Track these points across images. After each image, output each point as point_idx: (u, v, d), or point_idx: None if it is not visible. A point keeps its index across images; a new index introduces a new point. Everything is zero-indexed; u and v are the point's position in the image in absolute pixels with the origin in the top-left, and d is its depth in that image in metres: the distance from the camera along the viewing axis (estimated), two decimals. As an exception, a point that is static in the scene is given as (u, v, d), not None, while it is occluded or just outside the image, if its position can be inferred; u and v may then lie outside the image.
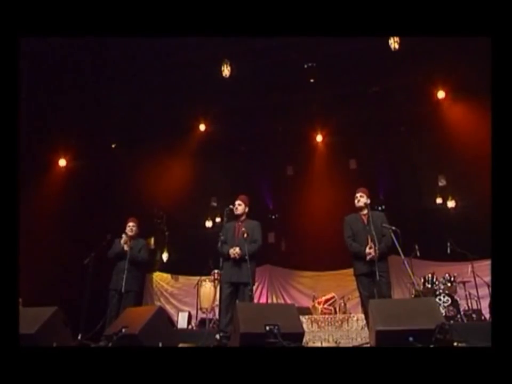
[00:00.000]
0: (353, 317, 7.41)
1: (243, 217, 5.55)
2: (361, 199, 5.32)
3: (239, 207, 5.52)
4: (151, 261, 6.39)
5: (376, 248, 4.91)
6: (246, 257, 5.06)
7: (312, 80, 8.59)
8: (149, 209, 10.25)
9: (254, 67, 8.14)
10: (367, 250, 5.00)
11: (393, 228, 5.03)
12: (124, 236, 6.10)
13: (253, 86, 8.60)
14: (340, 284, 9.01)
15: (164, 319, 4.37)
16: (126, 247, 6.05)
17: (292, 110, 9.46)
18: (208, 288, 8.19)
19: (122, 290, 5.77)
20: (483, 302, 7.48)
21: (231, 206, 5.54)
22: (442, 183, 10.05)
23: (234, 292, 5.23)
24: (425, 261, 8.38)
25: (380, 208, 8.78)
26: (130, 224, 6.34)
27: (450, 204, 9.83)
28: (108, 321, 5.57)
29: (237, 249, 5.21)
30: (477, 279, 7.36)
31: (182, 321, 8.22)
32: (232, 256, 5.21)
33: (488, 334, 2.60)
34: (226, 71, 7.61)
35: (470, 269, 7.54)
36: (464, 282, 7.61)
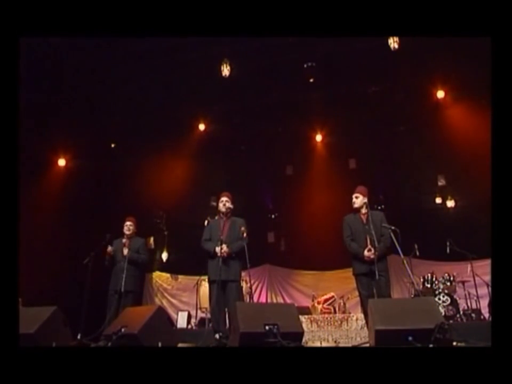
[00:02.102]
0: (353, 316, 7.41)
1: (229, 214, 5.55)
2: (357, 200, 5.32)
3: (227, 203, 5.53)
4: (150, 260, 6.35)
5: (375, 250, 4.91)
6: (246, 255, 5.07)
7: (311, 80, 8.58)
8: (148, 209, 10.25)
9: (253, 67, 8.13)
10: (365, 253, 4.99)
11: (393, 227, 5.03)
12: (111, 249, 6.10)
13: (252, 86, 8.60)
14: (339, 284, 9.02)
15: (163, 318, 4.37)
16: (124, 251, 6.03)
17: (291, 110, 9.46)
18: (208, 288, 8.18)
19: (122, 290, 5.75)
20: (482, 301, 7.49)
21: (222, 203, 5.56)
22: (441, 182, 10.06)
23: (223, 290, 5.21)
24: (424, 261, 8.39)
25: (379, 207, 8.78)
26: (128, 223, 6.31)
27: (450, 203, 9.85)
28: (108, 322, 5.56)
29: (224, 247, 5.19)
30: (476, 278, 7.37)
31: (181, 321, 8.22)
32: (219, 255, 5.18)
33: (488, 333, 2.60)
34: (225, 70, 7.61)
35: (469, 269, 7.55)
36: (463, 282, 7.63)
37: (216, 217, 5.67)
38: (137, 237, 6.33)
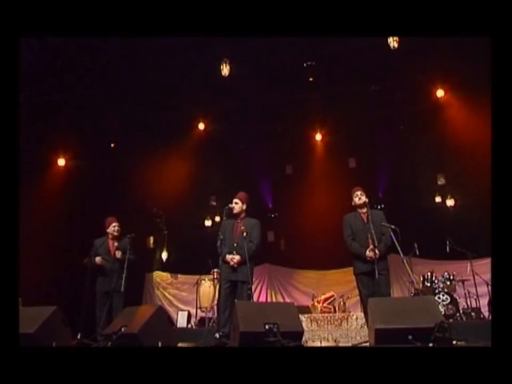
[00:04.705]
0: (353, 315, 7.42)
1: (242, 215, 5.50)
2: (362, 197, 5.33)
3: (236, 205, 5.47)
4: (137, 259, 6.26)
5: (376, 250, 4.91)
6: (246, 256, 5.02)
7: (311, 79, 8.58)
8: (148, 209, 10.26)
9: (253, 66, 8.13)
10: (367, 253, 5.00)
11: (393, 226, 5.03)
12: (100, 259, 5.96)
13: (252, 85, 8.60)
14: (339, 283, 9.03)
15: (163, 318, 4.37)
16: (118, 254, 5.95)
17: (291, 109, 9.46)
18: (208, 287, 8.19)
19: (122, 289, 5.69)
20: (482, 300, 7.50)
21: (230, 205, 5.50)
22: (441, 181, 10.07)
23: (233, 290, 5.20)
24: (424, 260, 8.39)
25: (379, 206, 8.79)
26: (115, 224, 6.24)
27: (450, 202, 9.86)
28: (101, 324, 5.53)
29: (237, 257, 5.16)
30: (476, 277, 7.38)
31: (181, 320, 8.22)
32: (231, 263, 5.17)
33: (487, 332, 2.61)
34: (225, 70, 7.61)
35: (469, 268, 7.56)
36: (463, 281, 7.64)
37: (225, 218, 5.55)
38: (122, 237, 6.24)
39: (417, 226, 8.84)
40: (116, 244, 6.14)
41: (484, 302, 7.50)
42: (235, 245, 5.25)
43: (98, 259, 5.95)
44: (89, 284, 5.83)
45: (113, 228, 6.23)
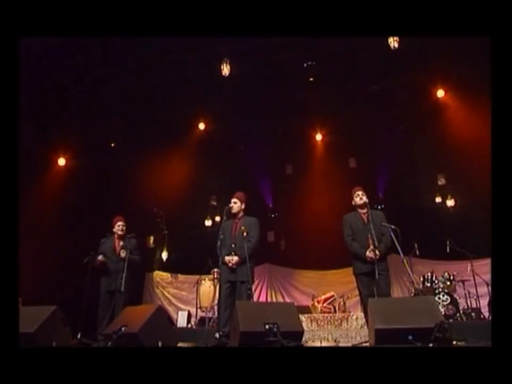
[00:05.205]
0: (353, 315, 7.42)
1: (240, 215, 5.51)
2: (363, 197, 5.32)
3: (234, 205, 5.47)
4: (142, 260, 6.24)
5: (377, 250, 4.91)
6: (245, 255, 5.01)
7: (311, 79, 8.59)
8: (148, 208, 10.26)
9: (253, 66, 8.14)
10: (367, 253, 4.99)
11: (393, 226, 5.03)
12: (101, 256, 5.92)
13: (252, 85, 8.60)
14: (340, 283, 9.04)
15: (163, 318, 4.37)
16: (122, 253, 5.91)
17: (292, 109, 9.48)
18: (208, 287, 8.20)
19: (122, 289, 5.69)
20: (482, 300, 7.50)
21: (229, 205, 5.51)
22: (441, 182, 10.07)
23: (233, 290, 5.21)
24: (424, 260, 8.39)
25: (379, 207, 8.79)
26: (120, 223, 6.22)
27: (450, 202, 9.86)
28: (106, 323, 5.52)
29: (235, 258, 5.17)
30: (476, 277, 7.37)
31: (181, 320, 8.22)
32: (229, 265, 5.17)
33: (487, 332, 2.61)
34: (225, 70, 7.61)
35: (469, 268, 7.56)
36: (463, 281, 7.63)
37: (225, 218, 5.53)
38: (126, 236, 6.25)
39: (417, 227, 8.84)
40: (121, 243, 6.12)
41: (484, 302, 7.49)
42: (233, 245, 5.26)
43: (99, 258, 5.91)
44: (90, 284, 5.83)
45: (118, 226, 6.22)
